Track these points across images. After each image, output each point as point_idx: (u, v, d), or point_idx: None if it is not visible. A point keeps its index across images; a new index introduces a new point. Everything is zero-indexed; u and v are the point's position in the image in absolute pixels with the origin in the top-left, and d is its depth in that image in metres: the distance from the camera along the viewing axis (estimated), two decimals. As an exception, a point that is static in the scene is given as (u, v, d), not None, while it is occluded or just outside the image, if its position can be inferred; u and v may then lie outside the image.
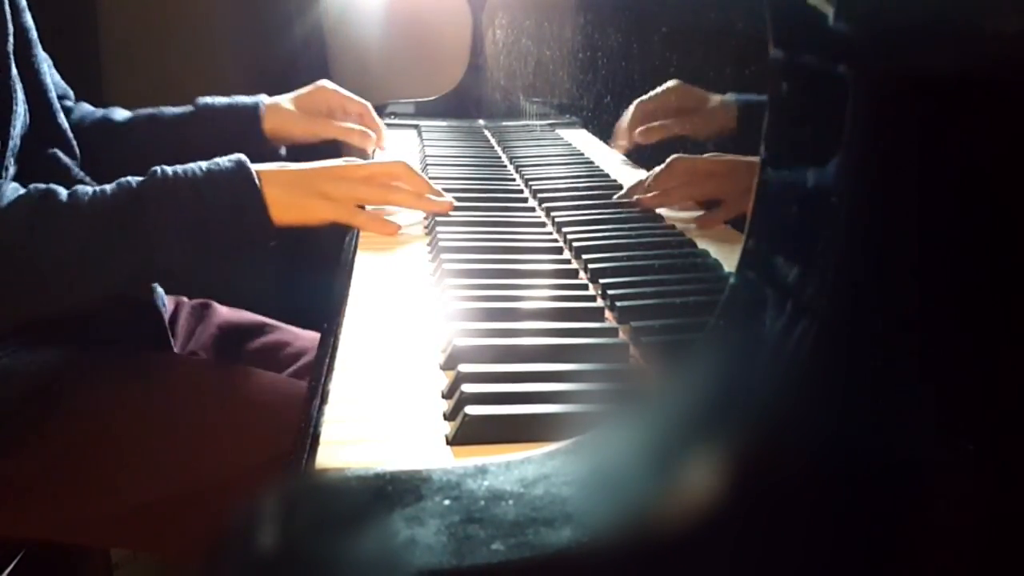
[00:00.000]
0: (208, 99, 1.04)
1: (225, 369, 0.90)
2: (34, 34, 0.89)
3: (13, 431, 0.80)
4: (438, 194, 0.86)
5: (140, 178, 0.77)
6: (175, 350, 0.97)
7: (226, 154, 0.80)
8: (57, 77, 1.01)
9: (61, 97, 1.00)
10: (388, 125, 1.46)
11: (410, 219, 0.88)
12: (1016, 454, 0.30)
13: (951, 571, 0.30)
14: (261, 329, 1.05)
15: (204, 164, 0.78)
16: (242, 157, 0.80)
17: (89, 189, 0.76)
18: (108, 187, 0.76)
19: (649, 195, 0.72)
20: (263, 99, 1.05)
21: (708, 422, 0.33)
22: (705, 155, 0.64)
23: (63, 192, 0.75)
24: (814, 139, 0.32)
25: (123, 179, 0.77)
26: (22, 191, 0.75)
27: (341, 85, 1.13)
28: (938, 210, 0.29)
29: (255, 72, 1.69)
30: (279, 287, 1.49)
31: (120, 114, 1.04)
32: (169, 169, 0.77)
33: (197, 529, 0.76)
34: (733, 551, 0.30)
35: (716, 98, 0.63)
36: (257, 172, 0.79)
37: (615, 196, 0.79)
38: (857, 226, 0.29)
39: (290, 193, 0.79)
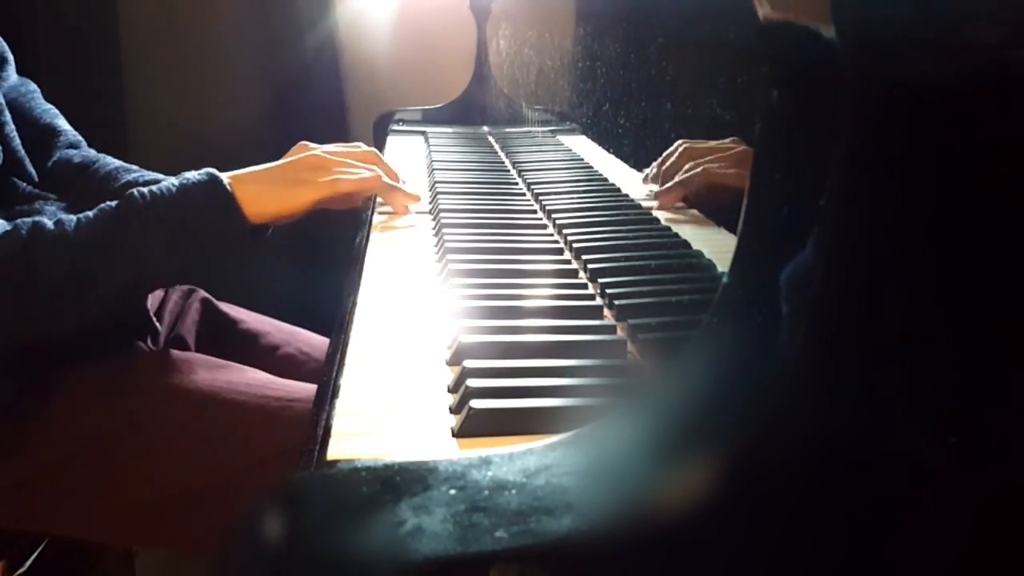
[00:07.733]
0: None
1: (225, 366, 0.90)
2: None
3: (20, 429, 0.82)
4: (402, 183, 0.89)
5: (117, 202, 0.79)
6: (160, 334, 0.99)
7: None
8: (44, 107, 1.03)
9: (54, 134, 1.02)
10: (396, 132, 1.48)
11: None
12: (998, 447, 0.30)
13: (936, 563, 0.31)
14: (239, 318, 1.07)
15: (175, 180, 0.81)
16: (211, 169, 0.83)
17: (73, 218, 0.78)
18: (90, 213, 0.79)
19: (666, 188, 0.72)
20: None
21: (702, 416, 0.33)
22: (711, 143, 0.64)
23: (49, 223, 0.77)
24: (804, 144, 0.32)
25: (103, 204, 0.79)
26: (9, 226, 0.77)
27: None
28: (924, 213, 0.29)
29: (270, 82, 1.70)
30: (289, 286, 1.50)
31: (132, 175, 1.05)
32: (145, 190, 0.79)
33: (207, 524, 0.77)
34: (726, 540, 0.30)
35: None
36: (229, 177, 0.82)
37: (654, 192, 0.72)
38: (845, 228, 0.29)
39: (266, 187, 0.82)
